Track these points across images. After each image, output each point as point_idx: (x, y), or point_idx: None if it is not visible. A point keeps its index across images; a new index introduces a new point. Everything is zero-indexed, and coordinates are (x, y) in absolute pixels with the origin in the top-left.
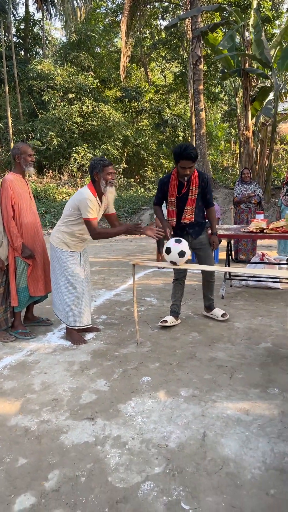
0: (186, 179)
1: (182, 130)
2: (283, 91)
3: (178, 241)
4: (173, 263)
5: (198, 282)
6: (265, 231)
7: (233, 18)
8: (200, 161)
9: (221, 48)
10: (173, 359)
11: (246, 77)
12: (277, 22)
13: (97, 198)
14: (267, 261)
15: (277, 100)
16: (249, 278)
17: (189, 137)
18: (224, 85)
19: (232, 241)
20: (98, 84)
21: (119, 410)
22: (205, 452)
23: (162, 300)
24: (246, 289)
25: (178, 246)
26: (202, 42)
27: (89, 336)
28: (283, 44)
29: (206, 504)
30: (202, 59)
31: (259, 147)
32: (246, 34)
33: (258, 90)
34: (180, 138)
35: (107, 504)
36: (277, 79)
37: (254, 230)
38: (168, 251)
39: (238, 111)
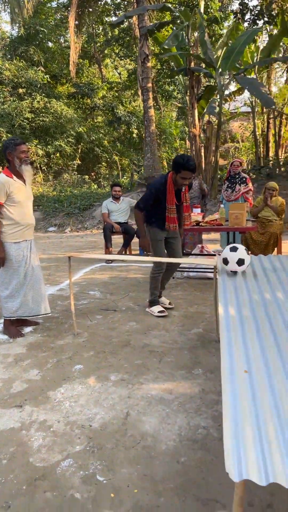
0: (181, 188)
1: (136, 127)
2: (226, 91)
3: (233, 249)
4: (234, 272)
5: (143, 275)
6: (200, 224)
7: (183, 18)
8: (151, 158)
9: (166, 47)
10: (108, 347)
11: (192, 76)
12: (226, 24)
13: (16, 179)
14: (206, 253)
15: (221, 99)
16: (190, 270)
17: (144, 134)
18: (177, 83)
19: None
20: (49, 79)
21: (48, 397)
22: (126, 430)
23: (105, 293)
24: (186, 280)
25: (235, 254)
26: (149, 40)
27: (27, 329)
28: (229, 45)
29: (120, 475)
30: (150, 57)
31: (203, 144)
32: (195, 33)
33: (204, 88)
34: (134, 135)
35: (25, 482)
36: (221, 79)
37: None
38: (226, 261)
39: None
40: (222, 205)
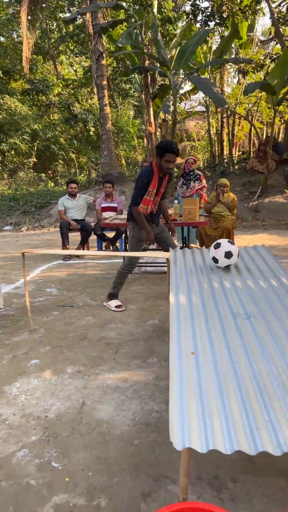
0: (167, 172)
1: (93, 125)
2: (181, 90)
3: (217, 246)
4: (227, 267)
5: (100, 271)
6: None
7: (137, 16)
8: (108, 155)
9: (120, 45)
10: (64, 342)
11: (146, 75)
12: (180, 24)
13: None
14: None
15: (175, 98)
16: (147, 265)
17: (101, 132)
18: (133, 82)
19: None
20: (2, 75)
21: (3, 392)
22: (81, 418)
23: (62, 290)
24: (144, 275)
25: (220, 250)
26: (104, 38)
27: None
28: (182, 45)
29: (75, 460)
30: (104, 55)
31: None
32: (149, 33)
33: (159, 87)
34: (91, 133)
35: None
36: (174, 78)
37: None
38: (215, 260)
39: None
40: (176, 201)
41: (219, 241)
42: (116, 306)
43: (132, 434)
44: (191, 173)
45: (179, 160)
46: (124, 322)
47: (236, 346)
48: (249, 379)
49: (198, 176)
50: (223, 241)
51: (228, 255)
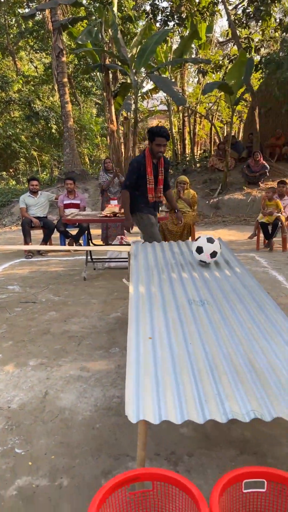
0: (158, 157)
1: (55, 122)
2: (143, 88)
3: (210, 241)
4: (203, 262)
5: (63, 268)
6: (117, 215)
7: (97, 14)
8: (70, 153)
9: (80, 42)
10: (27, 336)
11: (107, 73)
12: (141, 23)
13: None
14: (125, 243)
15: (136, 96)
16: (111, 260)
17: (63, 130)
18: (95, 80)
19: (101, 228)
20: None
21: None
22: (44, 407)
23: (25, 287)
24: (108, 271)
25: (212, 246)
26: (64, 34)
27: None
28: (143, 43)
29: (38, 446)
30: (64, 52)
31: (122, 140)
32: (110, 31)
33: (120, 85)
34: (53, 131)
35: None
36: (135, 76)
37: (108, 215)
38: (200, 250)
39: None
40: None
41: (212, 237)
42: None
43: (94, 419)
44: None
45: None
46: (87, 316)
47: (191, 330)
48: (201, 359)
49: None
50: (217, 240)
51: (214, 255)
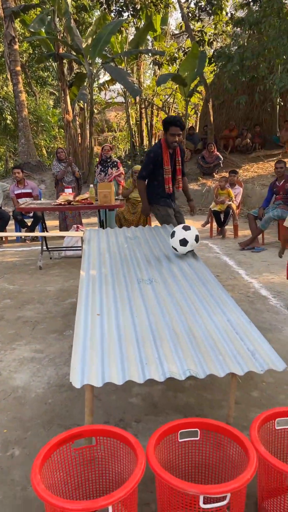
0: (174, 146)
1: (9, 113)
2: (101, 80)
3: (186, 228)
4: (174, 249)
5: (19, 258)
6: (72, 203)
7: (50, 2)
8: (25, 143)
9: (32, 30)
10: None
11: (61, 62)
12: (96, 12)
13: None
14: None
15: (91, 86)
16: (67, 248)
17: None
18: (51, 70)
19: (59, 218)
20: None
21: None
22: None
23: None
24: (64, 260)
25: (190, 232)
26: (16, 22)
27: None
28: (97, 33)
29: None
30: (16, 39)
31: (78, 130)
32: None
33: (75, 75)
34: (8, 121)
35: None
36: (90, 66)
37: (62, 203)
38: (185, 242)
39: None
40: (91, 185)
41: (190, 226)
42: None
43: (46, 395)
44: (108, 160)
45: (97, 149)
46: (43, 303)
47: (138, 305)
48: (145, 329)
49: (115, 163)
50: (193, 229)
51: (183, 243)
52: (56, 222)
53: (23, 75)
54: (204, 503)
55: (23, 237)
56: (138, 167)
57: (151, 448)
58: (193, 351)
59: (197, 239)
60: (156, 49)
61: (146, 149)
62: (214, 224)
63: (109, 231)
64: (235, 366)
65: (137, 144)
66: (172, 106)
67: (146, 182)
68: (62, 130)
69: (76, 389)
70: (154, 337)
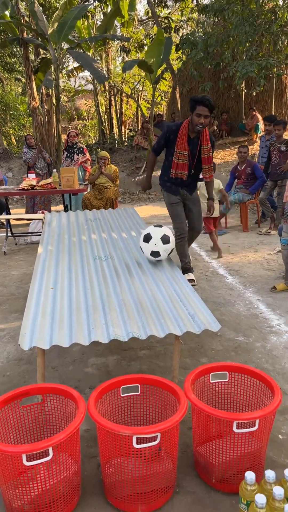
0: (198, 130)
1: None
2: (69, 67)
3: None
4: (140, 248)
5: None
6: (35, 188)
7: None
8: None
9: None
10: None
11: (26, 47)
12: None
13: None
14: None
15: (58, 71)
16: (33, 234)
17: None
18: (19, 56)
19: (27, 205)
20: None
21: None
22: None
23: None
24: (29, 246)
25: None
26: None
27: None
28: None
29: None
30: None
31: (46, 117)
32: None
33: (40, 60)
34: None
35: None
36: (55, 51)
37: (26, 188)
38: (147, 239)
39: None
40: (55, 170)
41: (160, 225)
42: (189, 280)
43: (5, 368)
44: (74, 146)
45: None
46: (6, 286)
47: (91, 279)
48: (96, 300)
49: (81, 149)
50: (165, 228)
51: (146, 239)
52: (23, 210)
53: None
54: (137, 443)
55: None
56: (103, 152)
57: (91, 400)
58: (138, 317)
59: (165, 239)
60: (124, 35)
61: (115, 137)
62: None
63: (71, 213)
64: (174, 328)
65: (107, 132)
66: (141, 94)
67: (155, 157)
68: (31, 119)
69: (34, 362)
70: (103, 306)
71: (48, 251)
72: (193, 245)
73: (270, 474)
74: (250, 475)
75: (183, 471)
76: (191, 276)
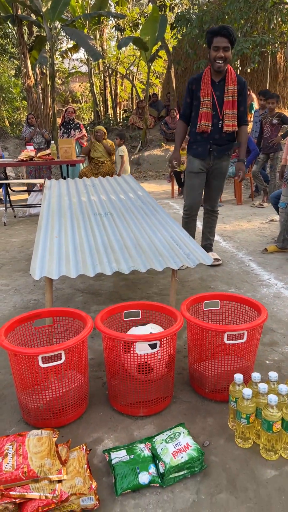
0: (218, 67)
1: None
2: (63, 47)
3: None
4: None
5: None
6: (34, 159)
7: None
8: None
9: None
10: None
11: (20, 24)
12: None
13: None
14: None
15: (52, 49)
16: (31, 206)
17: None
18: (11, 37)
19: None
20: None
21: None
22: None
23: None
24: (29, 218)
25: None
26: None
27: None
28: None
29: None
30: None
31: (41, 96)
32: None
33: (35, 38)
34: None
35: None
36: (49, 28)
37: (24, 159)
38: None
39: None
40: (53, 142)
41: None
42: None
43: (12, 314)
44: (71, 122)
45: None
46: (8, 250)
47: (93, 230)
48: (98, 244)
49: (77, 125)
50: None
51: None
52: (23, 188)
53: None
54: (140, 350)
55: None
56: (99, 127)
57: (98, 317)
58: (138, 256)
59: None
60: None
61: (110, 118)
62: (176, 186)
63: (69, 180)
64: (171, 263)
65: (102, 113)
66: (136, 75)
67: (184, 124)
68: (25, 102)
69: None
70: (105, 249)
71: (50, 209)
72: None
73: (256, 375)
74: (238, 376)
75: (179, 387)
76: (214, 255)
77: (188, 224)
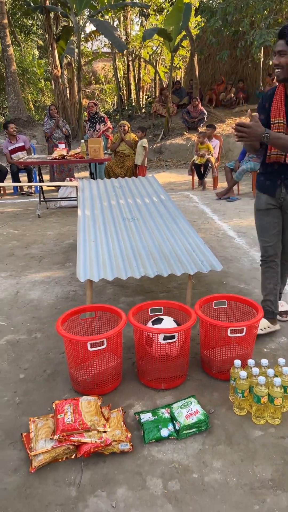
0: (278, 76)
1: None
2: (87, 30)
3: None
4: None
5: (19, 208)
6: (65, 157)
7: None
8: (15, 99)
9: None
10: None
11: (48, 15)
12: None
13: None
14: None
15: (79, 40)
16: (62, 199)
17: (5, 75)
18: (36, 18)
19: (51, 173)
20: None
21: None
22: (17, 299)
23: None
24: (60, 210)
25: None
26: None
27: None
28: None
29: (16, 320)
30: None
31: (67, 85)
32: None
33: (62, 28)
34: None
35: None
36: (76, 19)
37: (57, 157)
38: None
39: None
40: (82, 141)
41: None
42: (261, 328)
43: (55, 303)
44: (96, 116)
45: (85, 102)
46: (45, 243)
47: (123, 235)
48: (128, 250)
49: (102, 118)
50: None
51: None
52: (46, 177)
53: (8, 27)
54: (164, 339)
55: (25, 188)
56: (123, 121)
57: (130, 314)
58: (161, 262)
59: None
60: (143, 1)
61: (133, 103)
62: (196, 178)
63: (99, 181)
64: (188, 269)
65: (125, 98)
66: (159, 59)
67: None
68: (49, 83)
69: (78, 299)
70: (134, 255)
71: (85, 214)
72: (207, 210)
73: (251, 361)
74: (237, 361)
75: (192, 368)
76: (265, 323)
77: (265, 274)
